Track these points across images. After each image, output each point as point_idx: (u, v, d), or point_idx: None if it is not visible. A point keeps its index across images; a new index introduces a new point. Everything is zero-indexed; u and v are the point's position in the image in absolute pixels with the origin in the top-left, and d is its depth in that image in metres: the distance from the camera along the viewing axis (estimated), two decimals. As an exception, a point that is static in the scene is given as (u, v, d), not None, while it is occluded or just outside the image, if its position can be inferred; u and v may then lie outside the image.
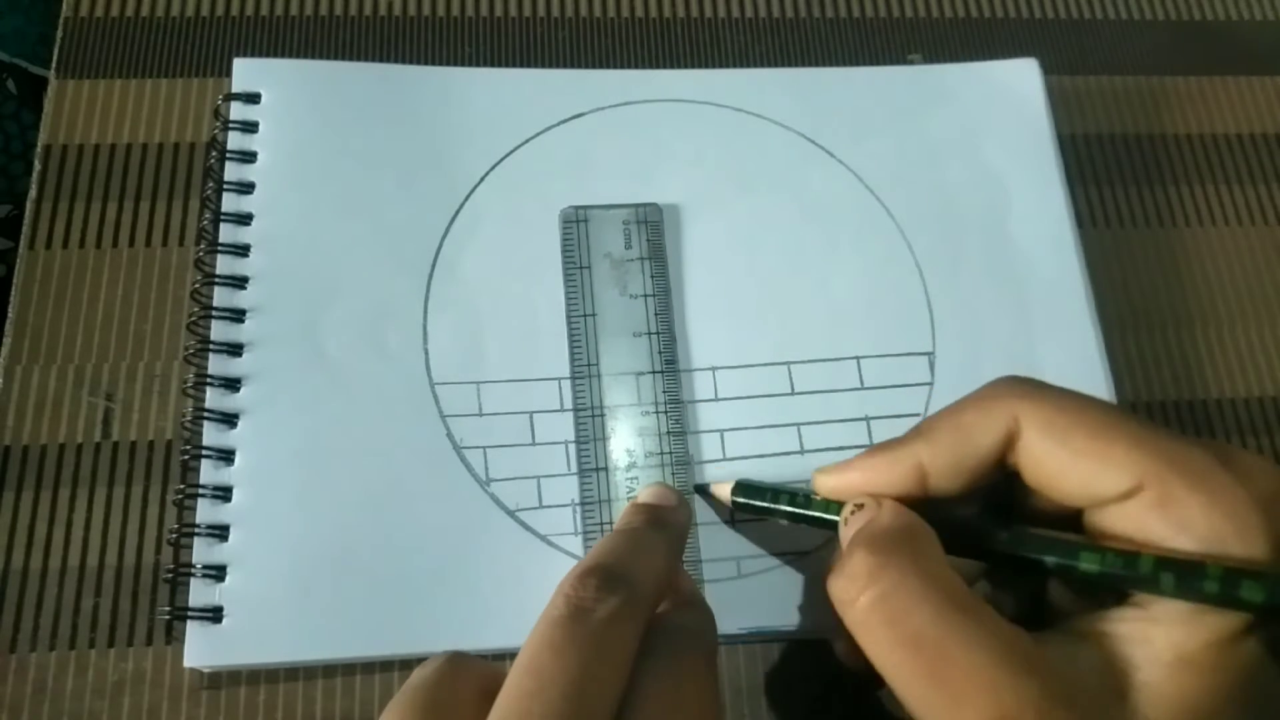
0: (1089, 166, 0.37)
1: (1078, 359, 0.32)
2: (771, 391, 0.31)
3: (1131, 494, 0.21)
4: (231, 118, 0.33)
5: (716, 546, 0.29)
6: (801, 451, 0.31)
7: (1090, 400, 0.23)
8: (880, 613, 0.21)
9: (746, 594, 0.29)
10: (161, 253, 0.32)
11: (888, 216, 0.34)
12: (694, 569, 0.29)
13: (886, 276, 0.33)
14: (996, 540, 0.23)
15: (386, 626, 0.28)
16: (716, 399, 0.31)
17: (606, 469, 0.29)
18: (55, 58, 0.35)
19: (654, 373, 0.31)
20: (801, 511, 0.26)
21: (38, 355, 0.31)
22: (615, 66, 0.37)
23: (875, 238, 0.34)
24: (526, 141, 0.34)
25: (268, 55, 0.35)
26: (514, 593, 0.28)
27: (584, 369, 0.30)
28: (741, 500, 0.28)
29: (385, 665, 0.28)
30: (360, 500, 0.29)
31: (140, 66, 0.35)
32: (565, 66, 0.36)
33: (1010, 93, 0.36)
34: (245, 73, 0.34)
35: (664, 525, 0.25)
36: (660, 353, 0.31)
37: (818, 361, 0.32)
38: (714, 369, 0.31)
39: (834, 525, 0.25)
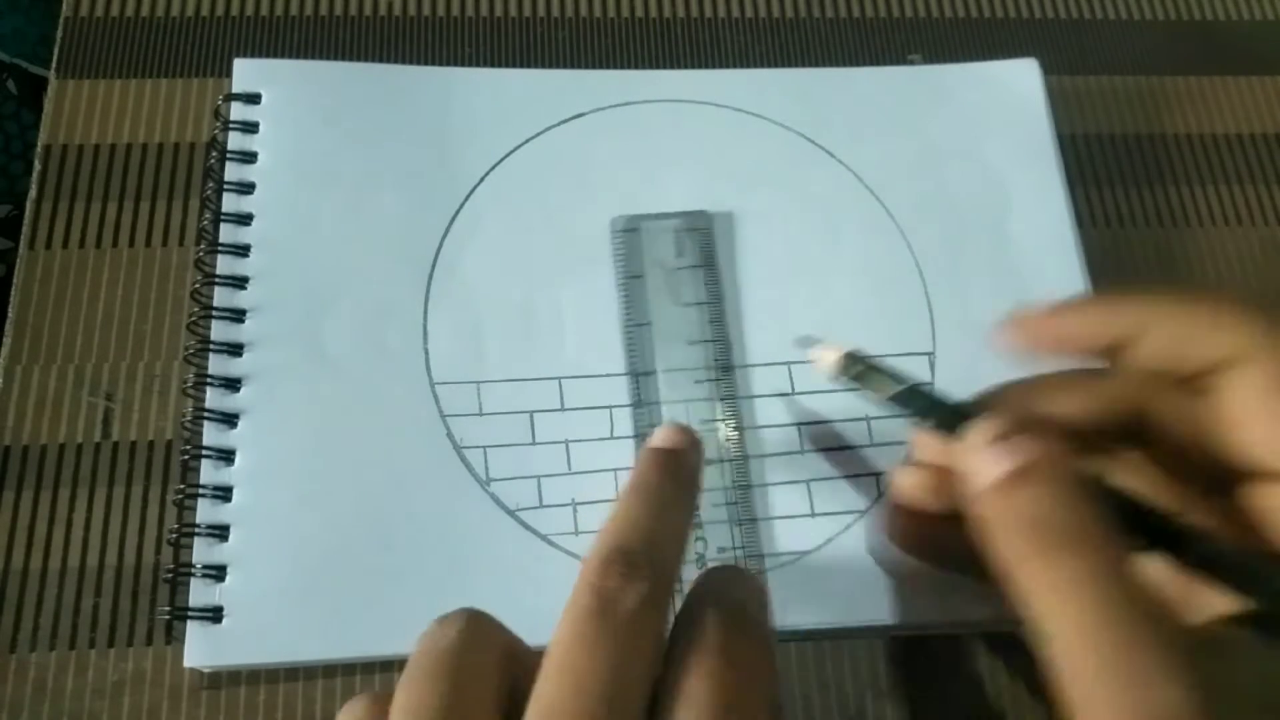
0: (1089, 166, 0.37)
1: (1077, 358, 0.32)
2: (771, 392, 0.31)
3: None
4: (232, 118, 0.33)
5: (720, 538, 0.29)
6: (801, 452, 0.31)
7: None
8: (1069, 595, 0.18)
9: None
10: (161, 253, 0.32)
11: (888, 216, 0.34)
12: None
13: (886, 276, 0.33)
14: (1198, 547, 0.20)
15: (386, 626, 0.28)
16: (718, 399, 0.31)
17: None
18: (55, 58, 0.35)
19: (711, 380, 0.31)
20: (916, 401, 0.24)
21: (38, 355, 0.31)
22: (615, 66, 0.37)
23: (875, 238, 0.34)
24: (526, 141, 0.34)
25: (268, 55, 0.35)
26: (514, 592, 0.28)
27: (639, 379, 0.31)
28: (852, 362, 0.26)
29: (385, 665, 0.28)
30: (360, 500, 0.29)
31: (140, 66, 0.35)
32: (565, 66, 0.36)
33: (1010, 93, 0.36)
34: (245, 73, 0.34)
35: (678, 477, 0.24)
36: (717, 360, 0.31)
37: (818, 361, 0.32)
38: (709, 368, 0.31)
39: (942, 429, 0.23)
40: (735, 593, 0.21)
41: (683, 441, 0.25)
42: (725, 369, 0.31)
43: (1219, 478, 0.21)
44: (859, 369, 0.26)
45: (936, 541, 0.25)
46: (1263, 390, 0.20)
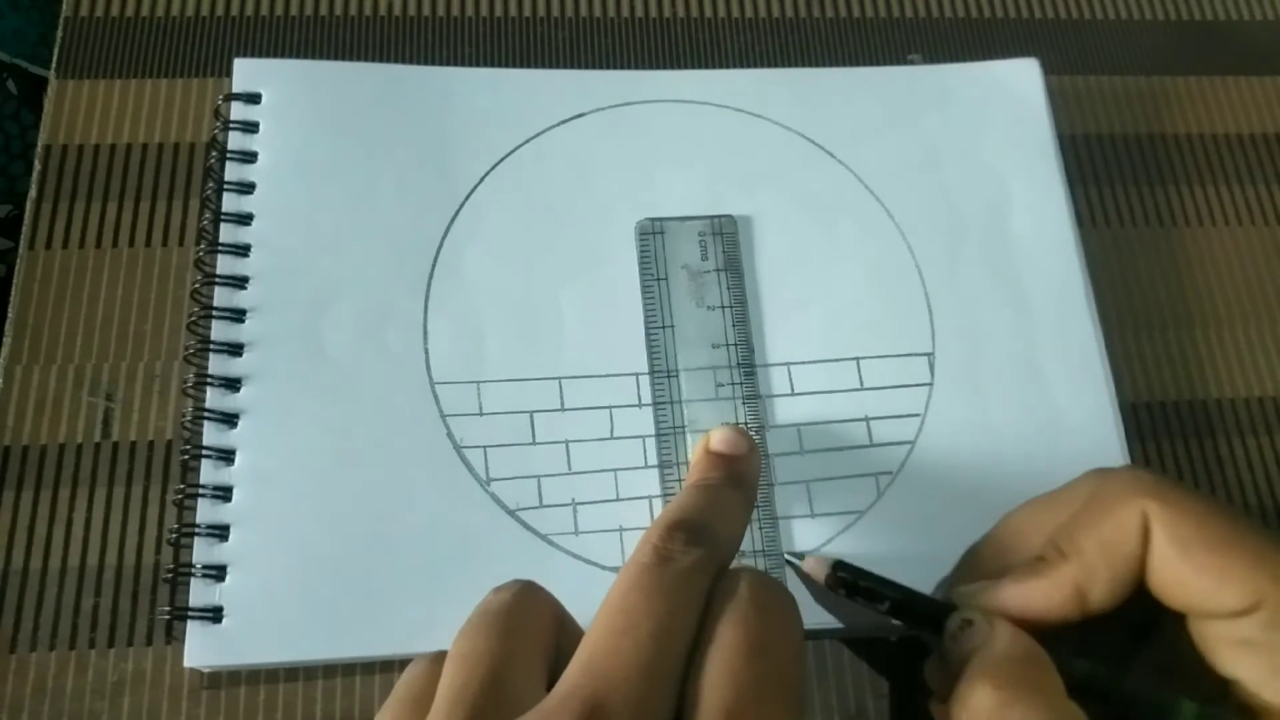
0: (1089, 166, 0.37)
1: (1078, 359, 0.32)
2: (771, 393, 0.31)
3: (1247, 612, 0.21)
4: (232, 118, 0.33)
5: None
6: (801, 452, 0.31)
7: (1215, 507, 0.23)
8: None
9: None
10: (161, 253, 0.32)
11: (887, 217, 0.34)
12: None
13: (886, 276, 0.33)
14: (1120, 691, 0.23)
15: (387, 626, 0.28)
16: (717, 398, 0.31)
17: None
18: (55, 58, 0.35)
19: (732, 384, 0.31)
20: (904, 607, 0.25)
21: (38, 355, 0.31)
22: (615, 66, 0.37)
23: (875, 238, 0.34)
24: (526, 141, 0.34)
25: (268, 55, 0.35)
26: (514, 593, 0.28)
27: (663, 380, 0.31)
28: (841, 576, 0.27)
29: (385, 665, 0.28)
30: (360, 500, 0.29)
31: (140, 66, 0.35)
32: (565, 66, 0.36)
33: (1010, 93, 0.36)
34: (245, 73, 0.34)
35: (739, 479, 0.26)
36: (739, 364, 0.31)
37: (818, 362, 0.32)
38: (714, 368, 0.31)
39: (935, 627, 0.25)
40: (762, 573, 0.23)
41: (742, 445, 0.27)
42: (748, 372, 0.31)
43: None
44: (847, 581, 0.27)
45: None
46: (1165, 559, 0.22)
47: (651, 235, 0.32)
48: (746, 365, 0.31)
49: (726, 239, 0.32)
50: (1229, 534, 0.22)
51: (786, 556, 0.29)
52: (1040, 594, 0.24)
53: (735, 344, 0.31)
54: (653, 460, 0.30)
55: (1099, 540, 0.23)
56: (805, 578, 0.28)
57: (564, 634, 0.22)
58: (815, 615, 0.28)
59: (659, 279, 0.32)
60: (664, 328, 0.31)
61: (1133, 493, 0.23)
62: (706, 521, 0.23)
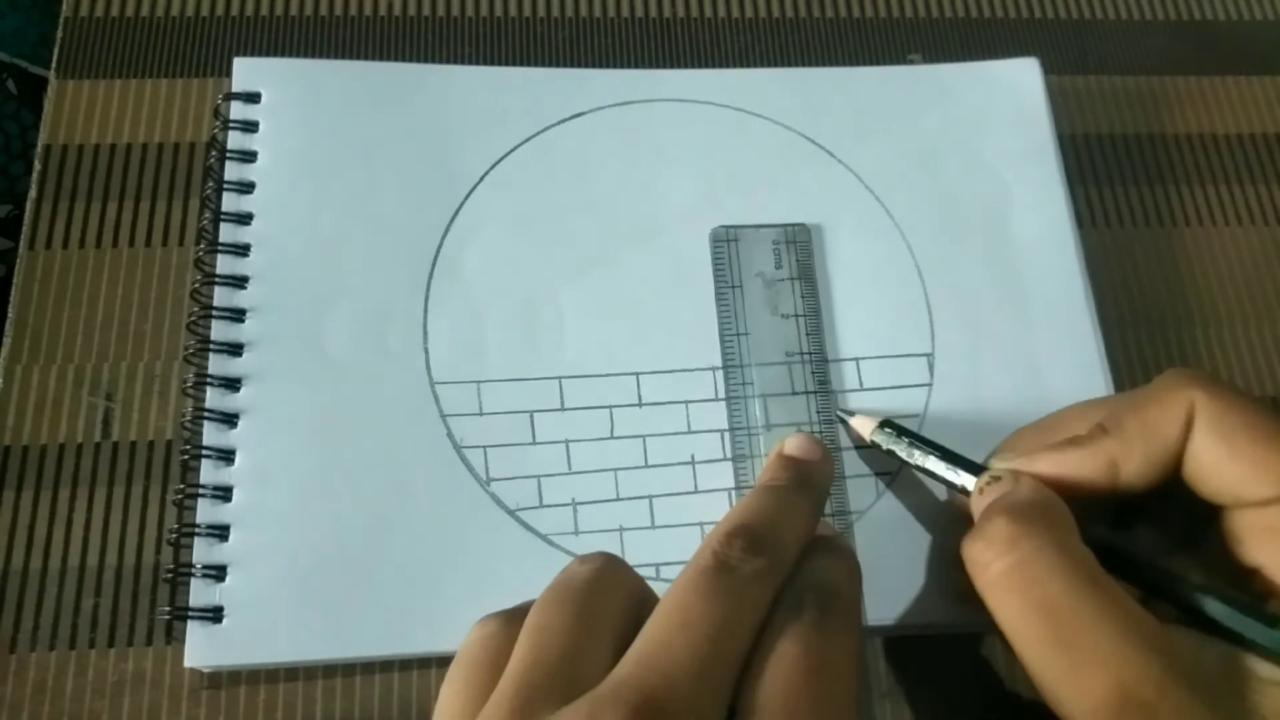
0: (1089, 166, 0.37)
1: (1078, 359, 0.32)
2: (771, 392, 0.31)
3: (1275, 501, 0.22)
4: (231, 117, 0.33)
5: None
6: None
7: (1259, 405, 0.23)
8: (1015, 578, 0.21)
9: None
10: (161, 253, 0.32)
11: (887, 217, 0.34)
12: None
13: (886, 276, 0.33)
14: (1141, 570, 0.23)
15: (386, 626, 0.28)
16: (716, 398, 0.31)
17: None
18: (55, 58, 0.35)
19: (808, 393, 0.31)
20: (939, 469, 0.27)
21: (38, 355, 0.31)
22: (615, 66, 0.37)
23: (875, 238, 0.34)
24: (526, 141, 0.34)
25: (268, 55, 0.35)
26: (514, 593, 0.28)
27: (739, 388, 0.31)
28: (883, 437, 0.29)
29: (385, 665, 0.28)
30: (360, 500, 0.29)
31: (140, 66, 0.35)
32: (565, 66, 0.36)
33: (1010, 93, 0.36)
34: (245, 72, 0.34)
35: (809, 484, 0.26)
36: (814, 373, 0.31)
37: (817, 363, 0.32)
38: (713, 369, 0.31)
39: (962, 489, 0.26)
40: (833, 574, 0.23)
41: (815, 453, 0.27)
42: (822, 380, 0.31)
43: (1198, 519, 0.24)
44: (891, 438, 0.29)
45: None
46: (1206, 445, 0.23)
47: (725, 243, 0.32)
48: (821, 375, 0.31)
49: (800, 247, 0.32)
50: (1271, 428, 0.23)
51: (838, 413, 0.30)
52: (1073, 460, 0.24)
53: (809, 352, 0.31)
54: (651, 460, 0.30)
55: (1141, 420, 0.24)
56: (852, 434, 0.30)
57: (644, 611, 0.21)
58: (878, 611, 0.28)
59: (733, 286, 0.32)
60: (739, 335, 0.31)
61: (1183, 383, 0.24)
62: (768, 528, 0.23)
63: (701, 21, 0.38)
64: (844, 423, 0.30)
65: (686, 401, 0.31)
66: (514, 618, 0.22)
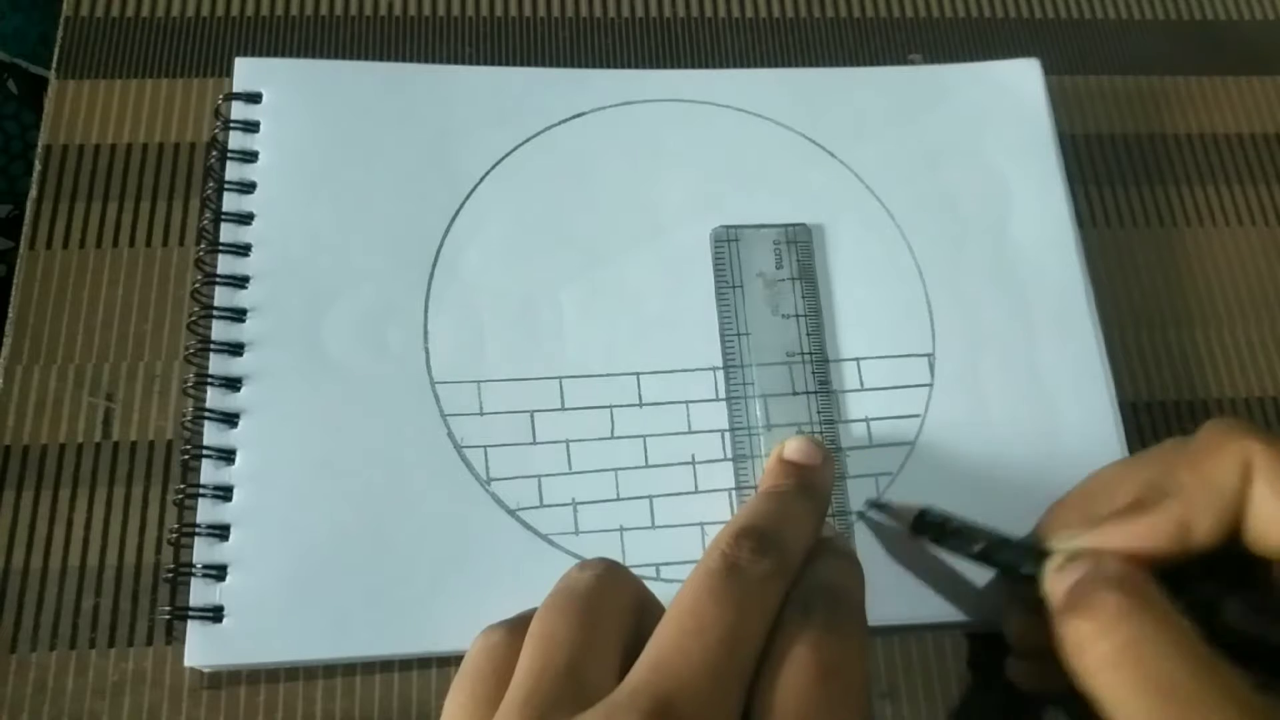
0: (1089, 166, 0.37)
1: (1078, 359, 0.32)
2: (770, 392, 0.31)
3: None
4: (232, 117, 0.33)
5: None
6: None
7: None
8: (1128, 656, 0.20)
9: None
10: (161, 253, 0.32)
11: (888, 216, 0.34)
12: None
13: (886, 276, 0.33)
14: (1230, 619, 0.22)
15: (386, 626, 0.28)
16: (717, 398, 0.31)
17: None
18: (55, 58, 0.35)
19: (808, 393, 0.31)
20: (997, 555, 0.25)
21: (38, 355, 0.31)
22: (615, 66, 0.37)
23: (876, 238, 0.34)
24: (526, 141, 0.34)
25: (268, 55, 0.35)
26: (514, 592, 0.28)
27: (739, 388, 0.31)
28: (928, 521, 0.27)
29: (385, 665, 0.28)
30: (361, 500, 0.29)
31: (140, 66, 0.35)
32: (565, 66, 0.36)
33: (1011, 93, 0.36)
34: (246, 72, 0.34)
35: (811, 490, 0.26)
36: (814, 373, 0.31)
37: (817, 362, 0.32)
38: (714, 369, 0.31)
39: (1020, 574, 0.24)
40: (839, 576, 0.23)
41: (816, 456, 0.27)
42: (823, 380, 0.31)
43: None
44: (934, 524, 0.27)
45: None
46: (1269, 501, 0.22)
47: (726, 243, 0.32)
48: (821, 375, 0.31)
49: (801, 247, 0.32)
50: None
51: (863, 509, 0.29)
52: (1144, 529, 0.23)
53: (810, 352, 0.31)
54: (652, 460, 0.30)
55: (1201, 478, 0.23)
56: (886, 528, 0.28)
57: (645, 616, 0.22)
58: (881, 610, 0.28)
59: (734, 286, 0.32)
60: (739, 335, 0.31)
61: (1236, 435, 0.23)
62: (775, 530, 0.23)
63: (701, 21, 0.38)
64: (872, 520, 0.29)
65: (687, 401, 0.31)
66: (517, 627, 0.22)
